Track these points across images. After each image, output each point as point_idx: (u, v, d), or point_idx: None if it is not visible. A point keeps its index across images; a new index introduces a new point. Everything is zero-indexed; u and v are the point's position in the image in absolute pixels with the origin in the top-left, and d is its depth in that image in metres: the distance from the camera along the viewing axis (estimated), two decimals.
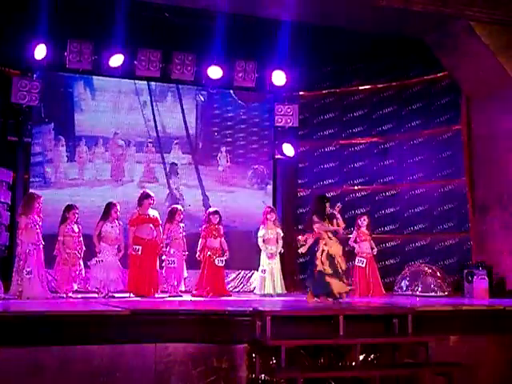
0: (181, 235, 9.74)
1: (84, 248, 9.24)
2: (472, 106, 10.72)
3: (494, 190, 10.23)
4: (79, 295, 9.12)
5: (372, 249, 10.20)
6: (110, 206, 9.32)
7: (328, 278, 8.56)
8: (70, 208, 9.23)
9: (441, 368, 6.70)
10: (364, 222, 10.29)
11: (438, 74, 11.39)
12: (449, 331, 7.27)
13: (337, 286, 8.58)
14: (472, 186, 10.73)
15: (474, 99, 10.61)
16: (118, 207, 9.38)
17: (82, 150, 10.97)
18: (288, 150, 11.86)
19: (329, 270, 8.58)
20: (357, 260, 10.09)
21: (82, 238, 9.23)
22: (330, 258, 8.66)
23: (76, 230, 9.18)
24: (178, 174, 11.57)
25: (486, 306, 8.23)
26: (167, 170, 11.52)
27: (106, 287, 9.03)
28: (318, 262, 8.65)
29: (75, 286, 9.13)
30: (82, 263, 9.18)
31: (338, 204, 9.26)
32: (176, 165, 11.58)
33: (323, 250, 8.70)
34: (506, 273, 9.81)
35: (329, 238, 8.79)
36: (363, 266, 10.05)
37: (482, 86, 10.23)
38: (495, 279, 9.77)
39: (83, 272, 9.18)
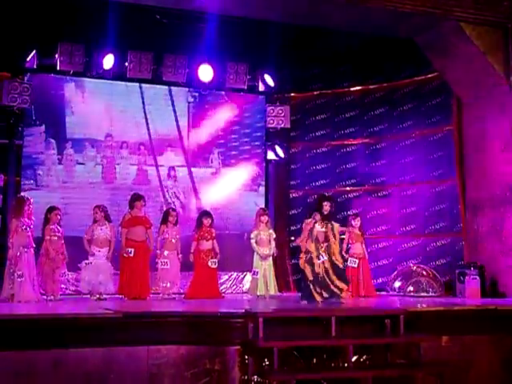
0: (175, 237, 9.71)
1: (65, 251, 9.15)
2: (463, 106, 10.74)
3: (485, 190, 10.24)
4: (70, 297, 9.08)
5: (364, 249, 10.22)
6: (94, 210, 9.29)
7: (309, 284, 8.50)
8: (52, 209, 9.10)
9: (433, 368, 6.73)
10: (357, 223, 10.30)
11: (429, 75, 11.43)
12: (441, 331, 7.27)
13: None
14: (463, 186, 10.73)
15: (465, 100, 10.63)
16: (101, 208, 9.30)
17: (73, 153, 10.95)
18: (279, 151, 11.87)
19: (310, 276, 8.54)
20: (349, 260, 10.05)
21: (63, 241, 9.10)
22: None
23: (60, 230, 9.12)
24: (170, 176, 11.56)
25: (477, 305, 8.24)
26: (160, 172, 11.51)
27: (98, 290, 9.00)
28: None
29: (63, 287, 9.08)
30: (65, 265, 9.12)
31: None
32: (168, 167, 11.57)
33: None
34: (497, 273, 9.82)
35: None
36: (355, 266, 10.06)
37: (472, 87, 10.25)
38: (487, 279, 9.80)
39: (68, 273, 9.11)
